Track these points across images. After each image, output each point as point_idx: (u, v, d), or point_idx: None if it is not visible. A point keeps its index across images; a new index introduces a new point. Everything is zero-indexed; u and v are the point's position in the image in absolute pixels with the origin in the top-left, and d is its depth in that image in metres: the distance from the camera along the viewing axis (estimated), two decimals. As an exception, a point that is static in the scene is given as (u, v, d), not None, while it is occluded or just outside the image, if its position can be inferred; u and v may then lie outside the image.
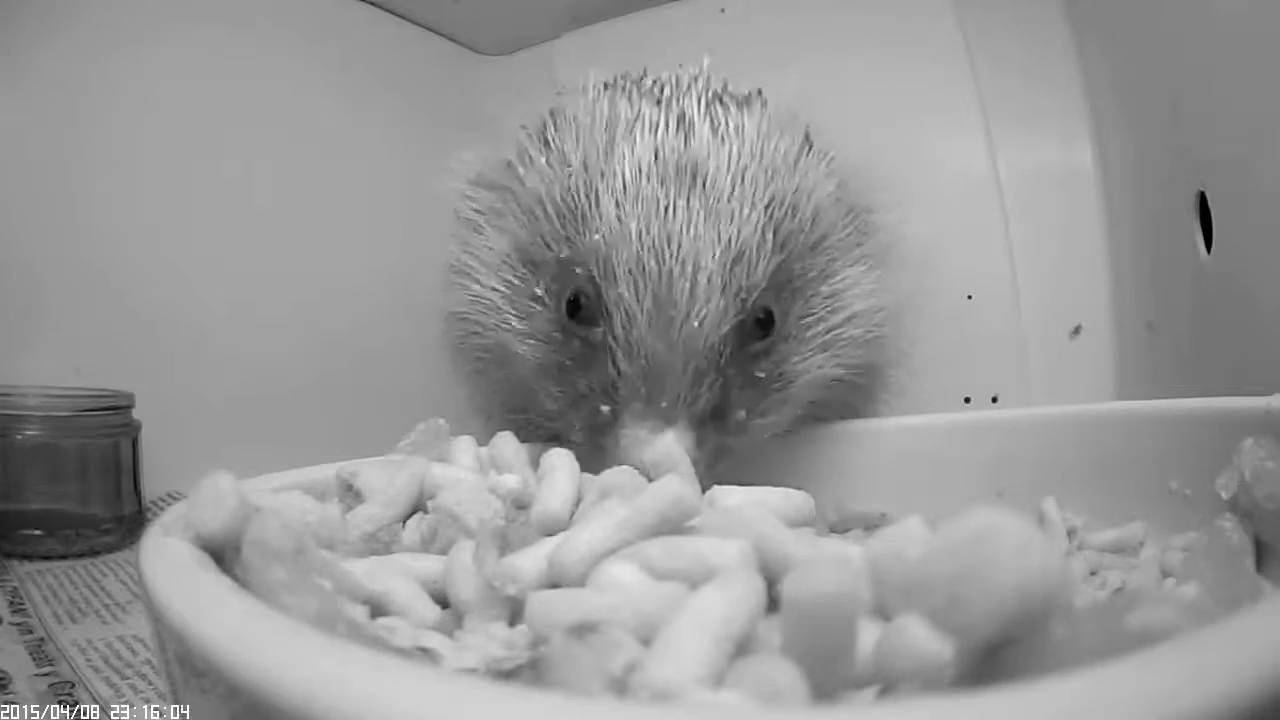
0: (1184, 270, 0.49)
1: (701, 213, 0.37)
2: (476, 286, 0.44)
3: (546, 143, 0.42)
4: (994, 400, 0.62)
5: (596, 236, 0.38)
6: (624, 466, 0.30)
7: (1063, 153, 0.63)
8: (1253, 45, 0.41)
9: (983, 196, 0.63)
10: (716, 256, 0.37)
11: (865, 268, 0.43)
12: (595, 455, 0.35)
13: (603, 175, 0.38)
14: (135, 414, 0.58)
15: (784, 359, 0.40)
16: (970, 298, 0.63)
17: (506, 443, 0.33)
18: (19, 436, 0.53)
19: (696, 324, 0.36)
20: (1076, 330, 0.61)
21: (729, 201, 0.38)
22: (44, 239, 0.61)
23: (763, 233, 0.38)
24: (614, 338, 0.37)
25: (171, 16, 0.67)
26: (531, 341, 0.41)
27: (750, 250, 0.37)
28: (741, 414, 0.38)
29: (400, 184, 0.80)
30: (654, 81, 0.44)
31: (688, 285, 0.36)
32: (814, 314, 0.41)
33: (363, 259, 0.77)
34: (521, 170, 0.43)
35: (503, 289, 0.43)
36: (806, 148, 0.42)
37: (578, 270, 0.38)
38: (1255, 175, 0.42)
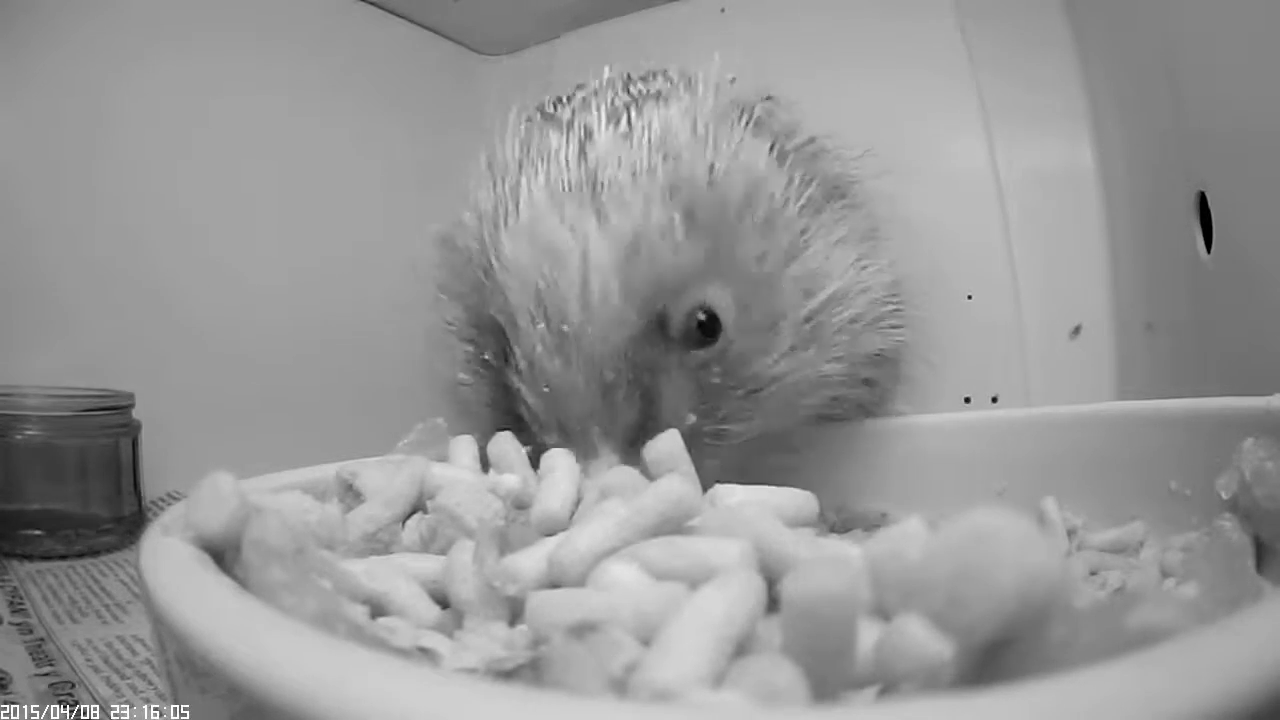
0: (1184, 270, 0.49)
1: (594, 216, 0.33)
2: (447, 357, 0.42)
3: (470, 196, 0.39)
4: (994, 400, 0.62)
5: (500, 275, 0.35)
6: (624, 467, 0.30)
7: (1063, 153, 0.62)
8: (1253, 45, 0.41)
9: (983, 196, 0.63)
10: (608, 254, 0.33)
11: (841, 238, 0.39)
12: None
13: (505, 217, 0.35)
14: (135, 414, 0.58)
15: (748, 359, 0.36)
16: (970, 298, 0.63)
17: (506, 443, 0.33)
18: (19, 436, 0.53)
19: (591, 331, 0.32)
20: (1076, 330, 0.61)
21: (626, 195, 0.34)
22: (46, 239, 0.61)
23: (670, 217, 0.33)
24: (519, 374, 0.34)
25: (172, 18, 0.67)
26: (485, 408, 0.39)
27: (649, 238, 0.33)
28: (691, 419, 0.34)
29: (401, 184, 0.80)
30: (566, 101, 0.40)
31: (578, 293, 0.32)
32: (785, 301, 0.37)
33: (363, 259, 0.77)
34: (461, 228, 0.40)
35: (461, 358, 0.41)
36: (730, 119, 0.37)
37: (500, 320, 0.36)
38: (1255, 175, 0.42)
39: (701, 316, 0.34)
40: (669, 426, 0.32)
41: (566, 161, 0.35)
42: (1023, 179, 0.63)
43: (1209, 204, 0.46)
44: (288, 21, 0.75)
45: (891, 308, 0.42)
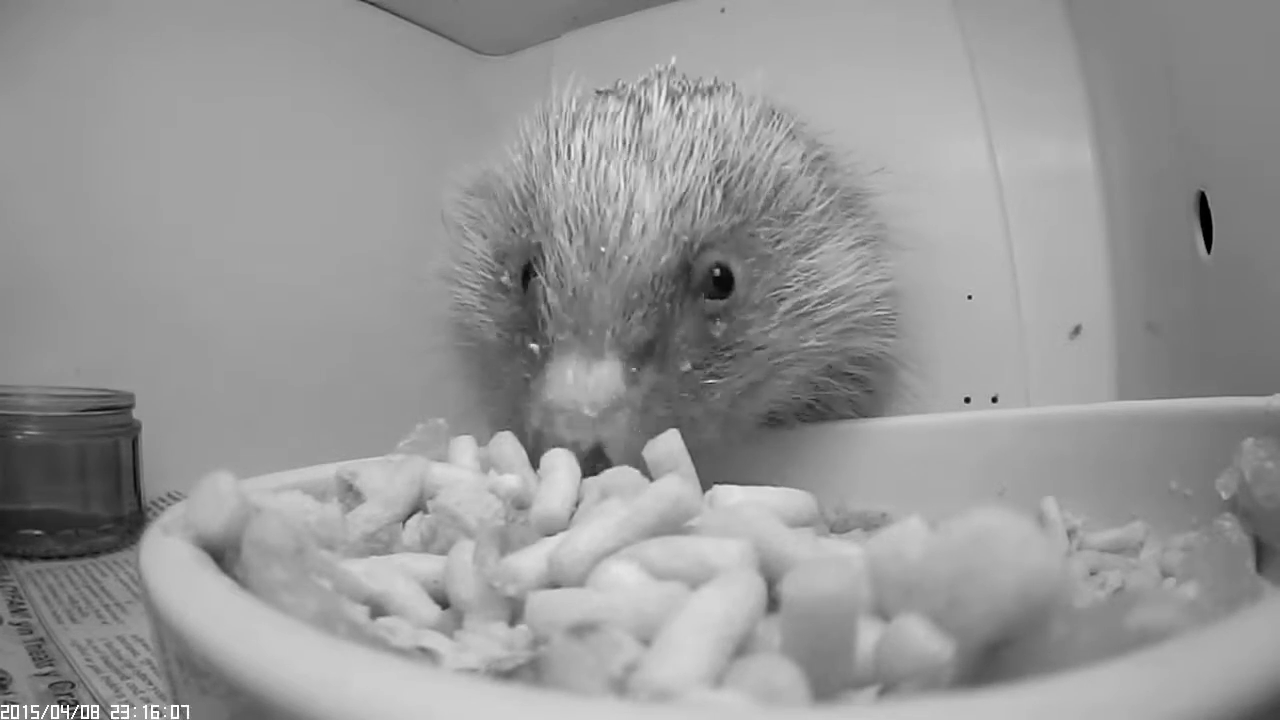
0: (1184, 270, 0.49)
1: (645, 169, 0.38)
2: (460, 289, 0.45)
3: (521, 143, 0.44)
4: (994, 400, 0.62)
5: (544, 201, 0.39)
6: (625, 467, 0.30)
7: (1063, 153, 0.62)
8: (1253, 45, 0.41)
9: (983, 196, 0.63)
10: (655, 202, 0.37)
11: (851, 244, 0.43)
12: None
13: (557, 156, 0.40)
14: (135, 414, 0.58)
15: (747, 325, 0.40)
16: (970, 298, 0.63)
17: (506, 443, 0.33)
18: (19, 436, 0.53)
19: (626, 258, 0.36)
20: (1076, 330, 0.61)
21: (674, 160, 0.38)
22: (45, 239, 0.61)
23: (710, 189, 0.38)
24: (545, 278, 0.37)
25: (172, 18, 0.67)
26: (496, 326, 0.42)
27: (694, 201, 0.38)
28: (687, 365, 0.38)
29: (401, 184, 0.81)
30: (630, 85, 0.45)
31: (620, 225, 0.37)
32: (788, 286, 0.41)
33: (363, 259, 0.77)
34: (500, 172, 0.44)
35: (479, 286, 0.44)
36: (771, 122, 0.42)
37: (532, 241, 0.40)
38: (1255, 175, 0.42)
39: (718, 272, 0.39)
40: (671, 361, 0.37)
41: (624, 123, 0.40)
42: (1023, 179, 0.63)
43: (1209, 204, 0.46)
44: (288, 21, 0.75)
45: (884, 313, 0.44)
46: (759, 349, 0.40)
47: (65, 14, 0.61)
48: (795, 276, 0.41)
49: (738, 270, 0.39)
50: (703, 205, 0.38)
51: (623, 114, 0.41)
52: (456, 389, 0.52)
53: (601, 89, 0.46)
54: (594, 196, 0.37)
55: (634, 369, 0.36)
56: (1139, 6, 0.52)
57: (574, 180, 0.38)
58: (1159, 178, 0.52)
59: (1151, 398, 0.36)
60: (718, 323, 0.39)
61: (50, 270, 0.61)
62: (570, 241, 0.37)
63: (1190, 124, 0.47)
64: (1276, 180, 0.40)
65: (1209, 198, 0.46)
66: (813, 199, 0.42)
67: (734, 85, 0.45)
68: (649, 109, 0.41)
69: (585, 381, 0.34)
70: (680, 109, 0.41)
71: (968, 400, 0.62)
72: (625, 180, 0.38)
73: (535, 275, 0.38)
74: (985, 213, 0.63)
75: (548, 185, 0.39)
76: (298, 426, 0.69)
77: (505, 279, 0.42)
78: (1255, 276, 0.42)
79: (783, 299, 0.41)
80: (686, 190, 0.38)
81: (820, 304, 0.41)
